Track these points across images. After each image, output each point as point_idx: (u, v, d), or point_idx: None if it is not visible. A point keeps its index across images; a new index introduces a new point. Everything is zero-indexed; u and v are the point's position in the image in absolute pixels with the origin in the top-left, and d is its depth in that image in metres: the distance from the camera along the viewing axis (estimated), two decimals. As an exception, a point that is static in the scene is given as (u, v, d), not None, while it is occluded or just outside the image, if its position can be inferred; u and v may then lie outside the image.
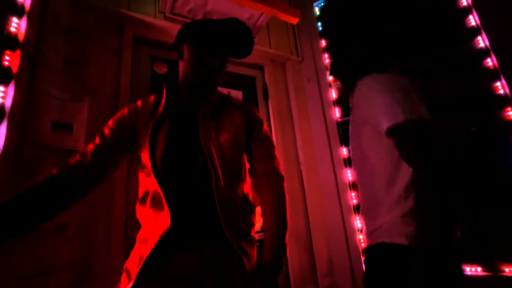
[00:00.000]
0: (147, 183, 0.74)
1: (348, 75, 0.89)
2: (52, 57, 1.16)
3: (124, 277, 0.69)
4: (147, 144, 0.74)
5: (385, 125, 0.69)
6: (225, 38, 0.82)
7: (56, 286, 0.97)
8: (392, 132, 0.69)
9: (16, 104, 1.02)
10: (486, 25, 1.54)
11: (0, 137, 0.94)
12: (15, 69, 1.03)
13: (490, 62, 1.50)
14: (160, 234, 0.67)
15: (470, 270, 1.35)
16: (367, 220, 0.79)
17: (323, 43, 2.09)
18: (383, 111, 0.71)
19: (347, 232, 1.66)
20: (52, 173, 0.69)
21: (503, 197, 1.40)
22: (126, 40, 1.48)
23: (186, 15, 1.60)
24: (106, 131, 0.79)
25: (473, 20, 1.58)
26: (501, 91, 1.44)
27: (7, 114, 0.97)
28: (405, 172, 0.70)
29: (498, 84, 1.45)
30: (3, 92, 0.99)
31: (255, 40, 1.75)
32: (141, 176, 0.78)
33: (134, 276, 0.65)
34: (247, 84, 1.94)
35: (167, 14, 1.56)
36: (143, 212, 0.74)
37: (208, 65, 0.79)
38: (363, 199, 0.83)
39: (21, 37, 1.08)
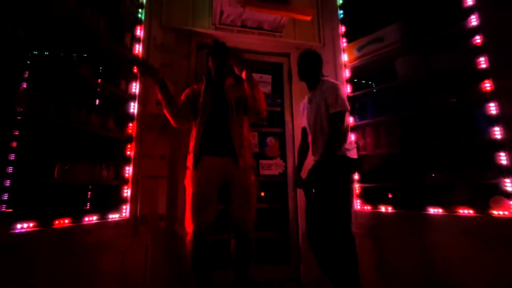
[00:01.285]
0: (197, 124, 1.55)
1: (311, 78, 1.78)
2: (155, 64, 2.04)
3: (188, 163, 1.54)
4: (202, 97, 1.57)
5: (331, 110, 1.59)
6: (224, 52, 1.64)
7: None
8: (333, 114, 1.57)
9: (140, 91, 1.94)
10: (480, 5, 1.72)
11: (136, 110, 1.89)
12: (139, 73, 1.95)
13: (478, 39, 1.71)
14: (199, 145, 1.48)
15: (433, 211, 1.76)
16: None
17: (343, 29, 2.49)
18: (334, 101, 1.60)
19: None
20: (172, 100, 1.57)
21: (478, 157, 1.71)
22: (192, 46, 2.30)
23: (230, 23, 2.29)
24: (183, 95, 1.68)
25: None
26: (483, 65, 1.67)
27: (137, 97, 1.91)
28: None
29: (482, 59, 1.68)
30: (135, 85, 1.93)
31: (283, 33, 2.35)
32: (195, 123, 1.59)
33: (190, 165, 1.49)
34: (276, 70, 2.56)
35: (217, 25, 2.28)
36: (193, 136, 1.57)
37: (214, 64, 1.65)
38: (316, 141, 1.56)
39: (140, 54, 1.98)
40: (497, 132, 1.58)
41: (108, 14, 1.77)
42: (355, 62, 2.36)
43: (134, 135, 1.85)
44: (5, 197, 1.18)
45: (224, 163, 1.50)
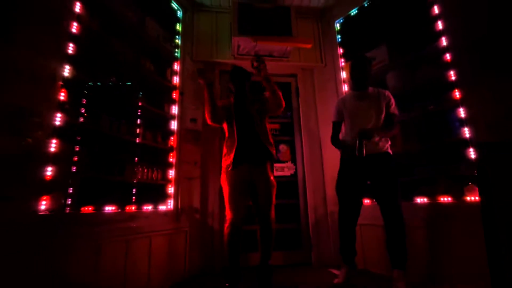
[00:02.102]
0: (230, 134, 1.95)
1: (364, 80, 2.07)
2: (187, 91, 2.62)
3: (223, 168, 1.95)
4: (232, 113, 1.96)
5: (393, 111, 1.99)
6: (239, 74, 2.02)
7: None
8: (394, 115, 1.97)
9: (178, 112, 2.51)
10: (448, 29, 2.09)
11: (176, 126, 2.45)
12: (176, 98, 2.53)
13: (448, 56, 2.07)
14: (233, 154, 1.90)
15: (420, 200, 2.08)
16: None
17: (341, 50, 2.93)
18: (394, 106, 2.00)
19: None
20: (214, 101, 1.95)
21: (455, 153, 2.03)
22: (216, 73, 2.86)
23: (245, 53, 2.83)
24: (220, 102, 2.05)
25: (440, 25, 2.15)
26: (453, 78, 2.02)
27: (176, 116, 2.48)
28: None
29: (451, 72, 2.03)
30: (175, 107, 2.50)
31: (289, 58, 2.82)
32: (226, 128, 1.99)
33: (224, 169, 1.93)
34: (285, 88, 3.03)
35: (235, 56, 2.83)
36: (228, 144, 1.96)
37: (234, 86, 2.03)
38: None
39: (177, 84, 2.57)
40: (466, 132, 1.91)
41: (154, 58, 2.38)
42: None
43: (175, 146, 2.40)
44: (80, 190, 1.74)
45: (251, 169, 1.88)
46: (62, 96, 1.52)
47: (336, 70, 2.91)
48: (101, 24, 1.90)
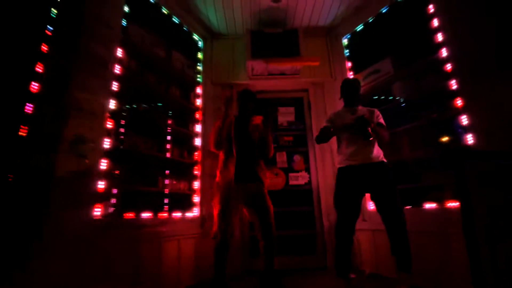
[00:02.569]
0: (227, 153, 2.11)
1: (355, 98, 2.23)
2: (208, 111, 2.97)
3: (215, 188, 2.07)
4: (232, 133, 2.10)
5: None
6: (247, 97, 2.18)
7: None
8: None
9: (202, 131, 2.86)
10: (448, 41, 2.20)
11: (200, 143, 2.79)
12: (200, 118, 2.89)
13: (449, 66, 2.17)
14: (232, 175, 2.03)
15: (428, 206, 2.16)
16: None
17: (349, 64, 3.11)
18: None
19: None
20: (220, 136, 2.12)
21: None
22: (234, 94, 3.19)
23: (259, 74, 3.13)
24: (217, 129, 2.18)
25: (440, 36, 2.26)
26: (454, 87, 2.11)
27: (200, 134, 2.82)
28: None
29: (453, 81, 2.12)
30: (198, 126, 2.85)
31: (300, 75, 3.05)
32: (222, 153, 2.12)
33: (221, 187, 2.03)
34: (298, 102, 3.27)
35: (250, 77, 3.14)
36: (223, 168, 2.06)
37: (242, 108, 2.16)
38: (359, 147, 2.02)
39: (199, 106, 2.93)
40: (470, 138, 1.98)
41: (179, 84, 2.78)
42: (361, 90, 2.93)
43: (199, 160, 2.74)
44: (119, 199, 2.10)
45: (249, 187, 1.95)
46: (109, 124, 1.92)
47: (345, 83, 3.08)
48: (137, 63, 2.33)
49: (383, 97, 2.82)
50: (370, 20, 2.94)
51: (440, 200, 2.12)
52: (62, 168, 1.56)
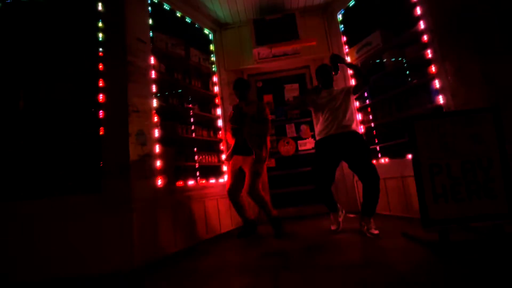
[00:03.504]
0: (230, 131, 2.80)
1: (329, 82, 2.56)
2: (225, 95, 3.53)
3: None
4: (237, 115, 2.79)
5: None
6: (239, 85, 2.76)
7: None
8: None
9: (222, 113, 3.44)
10: (425, 14, 2.52)
11: (222, 124, 3.40)
12: (219, 103, 3.46)
13: (426, 37, 2.53)
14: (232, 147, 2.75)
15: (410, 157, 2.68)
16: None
17: (344, 38, 3.46)
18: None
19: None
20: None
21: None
22: (245, 77, 3.68)
23: (264, 57, 3.57)
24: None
25: (419, 10, 2.58)
26: (430, 56, 2.49)
27: (221, 116, 3.42)
28: None
29: (428, 51, 2.50)
30: (218, 110, 3.44)
31: (301, 53, 3.48)
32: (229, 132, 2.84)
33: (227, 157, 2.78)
34: (300, 79, 3.72)
35: (257, 61, 3.59)
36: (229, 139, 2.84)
37: (236, 93, 2.79)
38: (336, 120, 2.37)
39: (217, 92, 3.49)
40: (441, 99, 2.41)
41: (198, 76, 3.32)
42: (356, 62, 3.32)
43: (222, 138, 3.37)
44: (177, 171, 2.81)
45: (244, 158, 2.63)
46: (155, 118, 2.55)
47: (342, 56, 3.46)
48: (165, 66, 2.88)
49: (374, 68, 3.19)
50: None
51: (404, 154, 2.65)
52: (132, 153, 2.24)
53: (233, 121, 2.74)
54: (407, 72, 2.83)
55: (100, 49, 2.44)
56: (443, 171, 1.74)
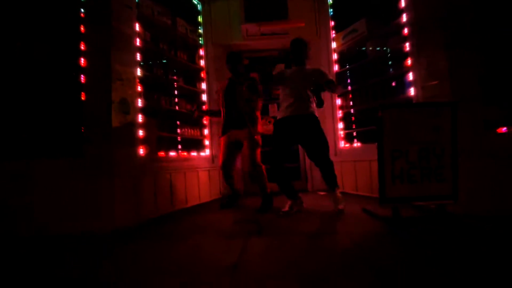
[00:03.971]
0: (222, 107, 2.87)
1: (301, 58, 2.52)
2: (211, 70, 3.52)
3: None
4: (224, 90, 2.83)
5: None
6: (232, 58, 2.77)
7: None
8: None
9: (207, 88, 3.46)
10: (408, 7, 2.62)
11: (206, 98, 3.43)
12: (204, 77, 3.46)
13: (406, 30, 2.65)
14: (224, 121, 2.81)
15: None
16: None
17: (332, 23, 3.51)
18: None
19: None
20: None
21: None
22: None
23: (252, 35, 3.56)
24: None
25: (403, 2, 2.67)
26: (408, 49, 2.64)
27: (205, 90, 3.44)
28: None
29: (407, 44, 2.64)
30: (203, 84, 3.45)
31: (290, 33, 3.51)
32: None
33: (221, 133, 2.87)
34: (287, 58, 3.76)
35: (245, 37, 3.58)
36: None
37: (228, 68, 2.80)
38: (297, 101, 2.39)
39: (203, 66, 3.47)
40: (412, 91, 2.60)
41: (185, 48, 3.28)
42: (341, 48, 3.42)
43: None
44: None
45: (239, 132, 2.67)
46: (139, 88, 2.55)
47: (328, 41, 3.54)
48: (151, 34, 2.82)
49: (358, 54, 3.31)
50: None
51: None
52: (115, 121, 2.26)
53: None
54: (389, 63, 2.97)
55: (82, 10, 2.35)
56: (402, 156, 1.95)
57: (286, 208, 2.40)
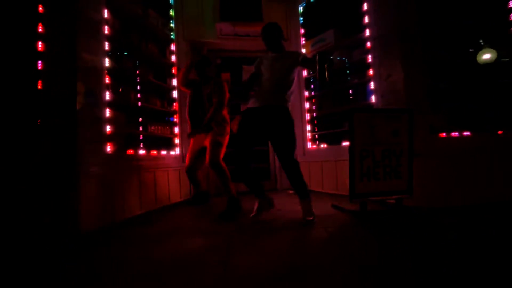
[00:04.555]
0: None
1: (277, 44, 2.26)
2: (182, 66, 3.41)
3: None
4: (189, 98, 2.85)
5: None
6: (200, 63, 2.78)
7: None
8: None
9: (177, 84, 3.34)
10: (370, 23, 2.93)
11: (177, 95, 3.31)
12: (175, 73, 3.34)
13: (369, 43, 2.96)
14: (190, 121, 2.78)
15: (344, 144, 3.17)
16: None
17: (302, 31, 3.72)
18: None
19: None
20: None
21: None
22: (204, 52, 3.62)
23: (227, 33, 3.56)
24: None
25: (367, 19, 2.97)
26: (370, 60, 2.94)
27: (176, 87, 3.32)
28: None
29: (369, 56, 2.95)
30: (174, 81, 3.32)
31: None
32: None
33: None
34: (259, 61, 3.85)
35: (219, 36, 3.56)
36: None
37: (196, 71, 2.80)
38: (275, 91, 2.11)
39: (174, 61, 3.35)
40: (373, 99, 2.91)
41: (156, 41, 3.12)
42: (310, 54, 3.63)
43: (177, 109, 3.30)
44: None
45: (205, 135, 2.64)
46: (107, 80, 2.35)
47: (298, 47, 3.73)
48: (120, 22, 2.62)
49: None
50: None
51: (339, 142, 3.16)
52: (81, 114, 2.05)
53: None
54: (352, 72, 3.26)
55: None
56: (369, 156, 2.18)
57: (254, 212, 2.23)
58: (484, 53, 2.73)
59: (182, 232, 1.97)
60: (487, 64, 2.76)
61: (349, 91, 3.27)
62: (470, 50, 2.85)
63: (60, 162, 1.96)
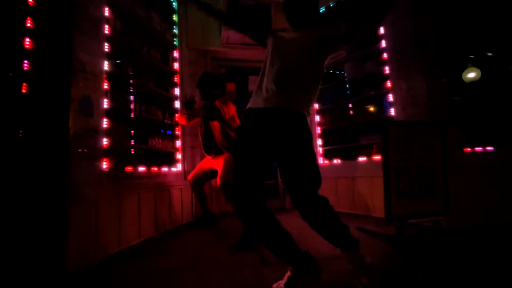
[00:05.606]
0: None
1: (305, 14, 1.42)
2: (185, 75, 3.15)
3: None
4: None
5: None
6: (204, 80, 2.58)
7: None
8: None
9: (180, 94, 3.05)
10: (387, 34, 2.83)
11: (180, 105, 3.01)
12: (178, 81, 3.06)
13: (385, 55, 2.85)
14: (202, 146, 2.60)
15: (360, 159, 2.96)
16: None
17: (311, 42, 3.58)
18: None
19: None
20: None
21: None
22: (208, 59, 3.38)
23: (233, 42, 3.36)
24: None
25: (382, 29, 2.88)
26: (387, 72, 2.82)
27: (178, 96, 3.02)
28: None
29: (387, 67, 2.82)
30: (177, 90, 3.03)
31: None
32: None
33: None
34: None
35: (224, 44, 3.35)
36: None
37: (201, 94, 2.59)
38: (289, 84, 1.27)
39: (177, 69, 3.08)
40: (393, 111, 2.76)
41: (159, 47, 2.85)
42: (319, 65, 3.48)
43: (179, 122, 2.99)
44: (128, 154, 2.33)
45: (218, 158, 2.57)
46: (105, 85, 2.04)
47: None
48: (122, 24, 2.34)
49: (337, 73, 3.43)
50: (331, 5, 3.41)
51: (369, 155, 2.95)
52: (74, 125, 1.71)
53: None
54: (365, 84, 3.13)
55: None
56: (405, 173, 1.97)
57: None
58: (469, 72, 2.68)
59: (196, 267, 1.63)
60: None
61: (364, 104, 3.12)
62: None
63: (46, 185, 1.59)
